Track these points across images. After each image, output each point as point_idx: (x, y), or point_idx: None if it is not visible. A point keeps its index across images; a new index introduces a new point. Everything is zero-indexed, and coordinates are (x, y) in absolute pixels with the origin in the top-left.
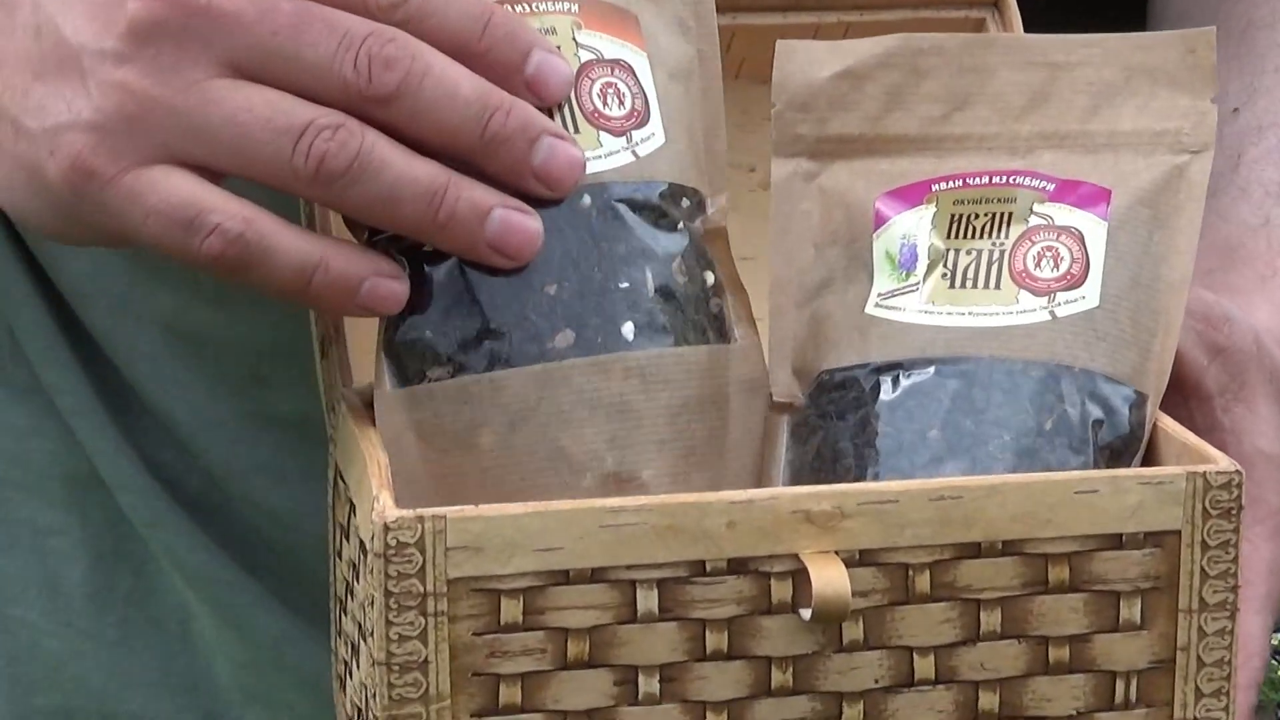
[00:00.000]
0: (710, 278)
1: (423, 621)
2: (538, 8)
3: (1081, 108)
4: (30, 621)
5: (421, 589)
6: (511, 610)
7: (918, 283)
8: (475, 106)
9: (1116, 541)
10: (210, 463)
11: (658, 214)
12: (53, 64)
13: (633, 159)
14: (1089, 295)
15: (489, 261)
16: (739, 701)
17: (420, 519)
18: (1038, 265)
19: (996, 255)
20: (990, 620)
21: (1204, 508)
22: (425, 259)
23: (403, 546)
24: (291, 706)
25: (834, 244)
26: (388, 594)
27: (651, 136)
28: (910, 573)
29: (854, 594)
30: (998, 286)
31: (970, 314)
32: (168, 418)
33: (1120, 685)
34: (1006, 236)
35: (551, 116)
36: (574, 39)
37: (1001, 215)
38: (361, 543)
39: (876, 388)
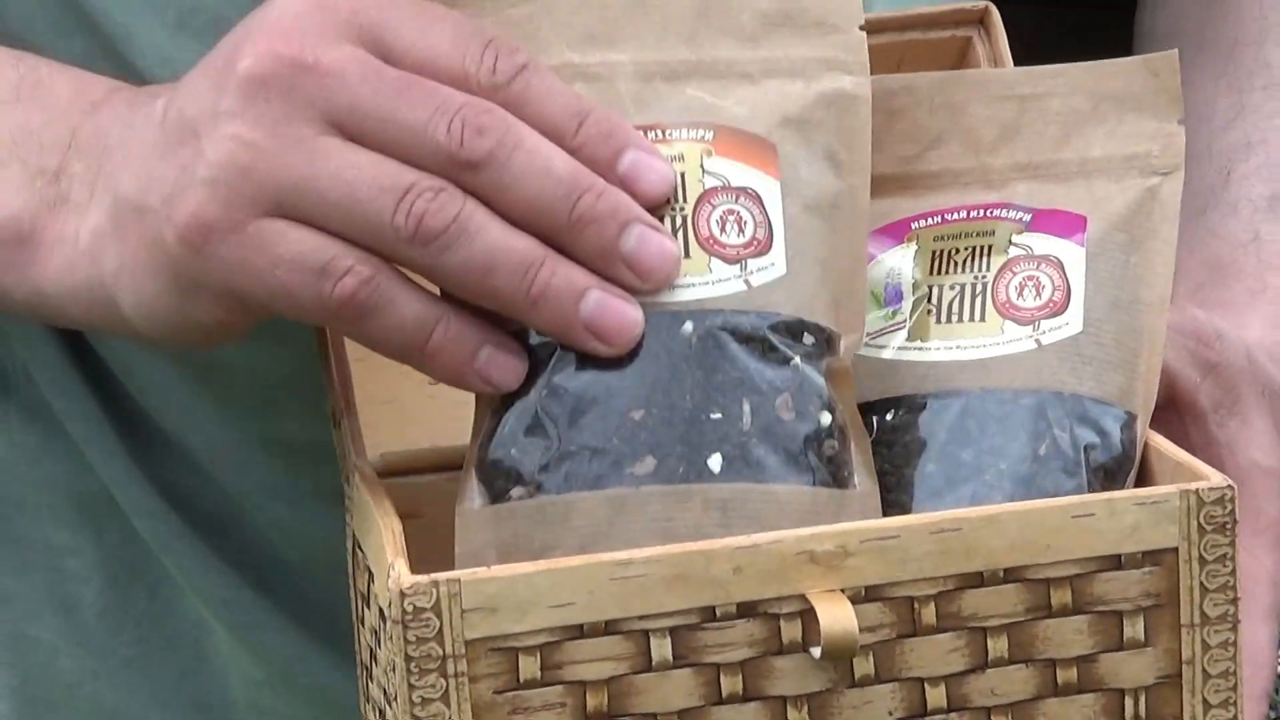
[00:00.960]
0: (827, 418)
1: (444, 683)
2: (670, 134)
3: (1052, 137)
4: (45, 641)
5: (441, 651)
6: (530, 667)
7: (904, 320)
8: (566, 184)
9: (1116, 562)
10: (223, 486)
11: (766, 346)
12: (174, 139)
13: (745, 288)
14: (1072, 321)
15: (584, 345)
16: None
17: (435, 583)
18: (1020, 295)
19: (979, 288)
20: (997, 647)
21: (1199, 524)
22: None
23: (420, 611)
24: None
25: None
26: (408, 658)
27: (770, 266)
28: (916, 605)
29: (862, 629)
30: (983, 318)
31: (958, 347)
32: (180, 442)
33: (1129, 702)
34: (988, 269)
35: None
36: (701, 165)
37: (981, 248)
38: (381, 610)
39: (871, 426)
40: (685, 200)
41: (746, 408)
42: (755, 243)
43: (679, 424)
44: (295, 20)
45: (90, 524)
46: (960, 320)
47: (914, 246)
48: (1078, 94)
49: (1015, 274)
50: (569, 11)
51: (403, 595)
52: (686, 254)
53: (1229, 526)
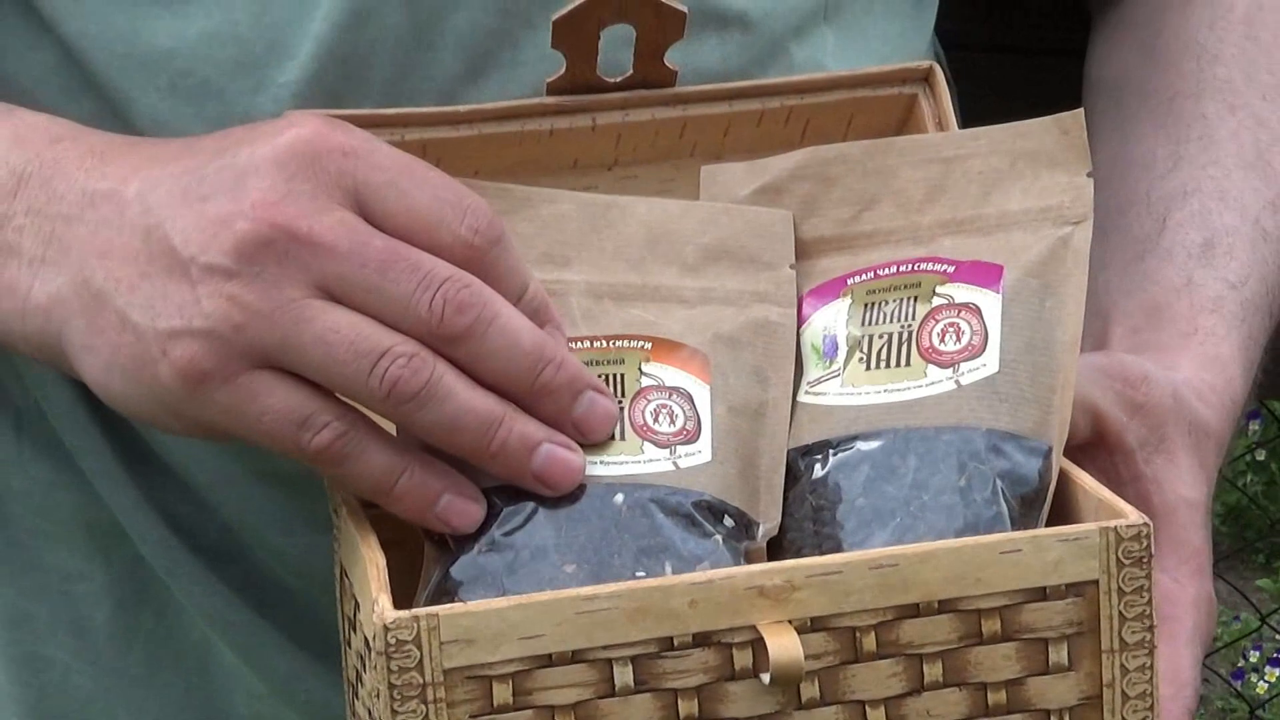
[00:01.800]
0: None
1: (424, 709)
2: (613, 344)
3: (974, 195)
4: (60, 660)
5: (421, 680)
6: (503, 693)
7: (839, 369)
8: (531, 357)
9: (1041, 594)
10: (225, 516)
11: (689, 521)
12: (161, 266)
13: (672, 468)
14: (989, 363)
15: (533, 489)
16: None
17: (416, 618)
18: (942, 340)
19: (905, 335)
20: (933, 672)
21: (1118, 558)
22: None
23: (402, 643)
24: None
25: None
26: (391, 686)
27: (698, 453)
28: (858, 634)
29: (808, 657)
30: (908, 364)
31: (885, 391)
32: (184, 475)
33: None
34: (913, 318)
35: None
36: (639, 368)
37: (908, 299)
38: (366, 639)
39: (810, 466)
40: (624, 395)
41: (669, 570)
42: (685, 432)
43: (608, 579)
44: (290, 182)
45: (100, 551)
46: (888, 366)
47: (849, 300)
48: (996, 154)
49: (938, 321)
50: (532, 233)
51: (386, 629)
52: (622, 437)
53: (1145, 560)
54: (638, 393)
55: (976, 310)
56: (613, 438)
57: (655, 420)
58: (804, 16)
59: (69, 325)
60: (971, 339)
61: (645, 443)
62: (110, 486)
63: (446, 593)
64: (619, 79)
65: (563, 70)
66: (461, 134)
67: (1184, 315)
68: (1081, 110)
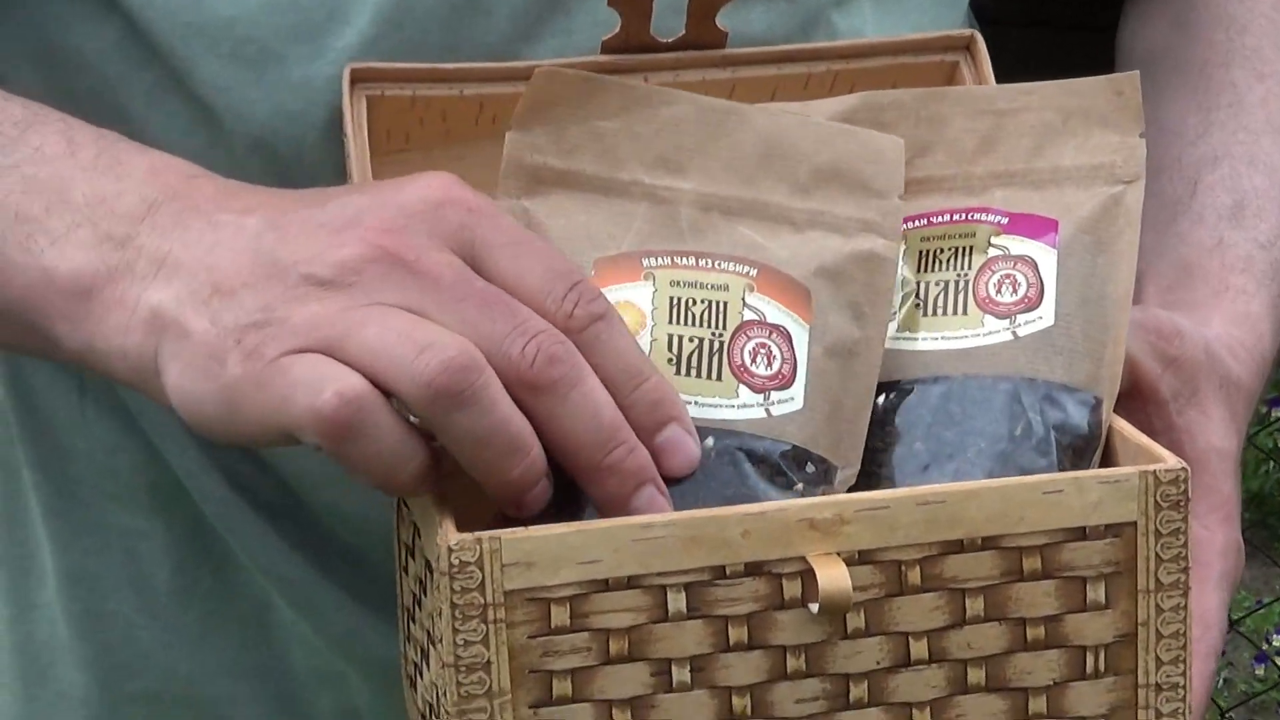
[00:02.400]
0: None
1: (484, 629)
2: (719, 265)
3: (1026, 149)
4: (123, 616)
5: (483, 600)
6: (560, 615)
7: (895, 313)
8: (607, 432)
9: (1081, 534)
10: (283, 474)
11: (774, 470)
12: (262, 275)
13: (764, 415)
14: (1045, 315)
15: (518, 515)
16: (759, 686)
17: (479, 540)
18: (999, 291)
19: (962, 284)
20: (974, 606)
21: (1156, 501)
22: None
23: (465, 565)
24: (360, 690)
25: None
26: (454, 606)
27: (790, 400)
28: (903, 568)
29: (855, 589)
30: (965, 312)
31: (943, 338)
32: None
33: (1090, 658)
34: (969, 267)
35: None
36: (743, 299)
37: (963, 248)
38: (428, 561)
39: None
40: (725, 327)
41: None
42: (780, 376)
43: None
44: (410, 220)
45: (162, 511)
46: (944, 313)
47: (903, 246)
48: (1049, 109)
49: (994, 272)
50: (650, 134)
51: (450, 551)
52: (719, 377)
53: (1182, 504)
54: (739, 327)
55: (1032, 263)
56: (710, 376)
57: (753, 361)
58: None
59: (164, 337)
60: (1028, 291)
61: (741, 385)
62: (173, 447)
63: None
64: (671, 40)
65: (617, 29)
66: (518, 90)
67: (1215, 274)
68: (1137, 73)
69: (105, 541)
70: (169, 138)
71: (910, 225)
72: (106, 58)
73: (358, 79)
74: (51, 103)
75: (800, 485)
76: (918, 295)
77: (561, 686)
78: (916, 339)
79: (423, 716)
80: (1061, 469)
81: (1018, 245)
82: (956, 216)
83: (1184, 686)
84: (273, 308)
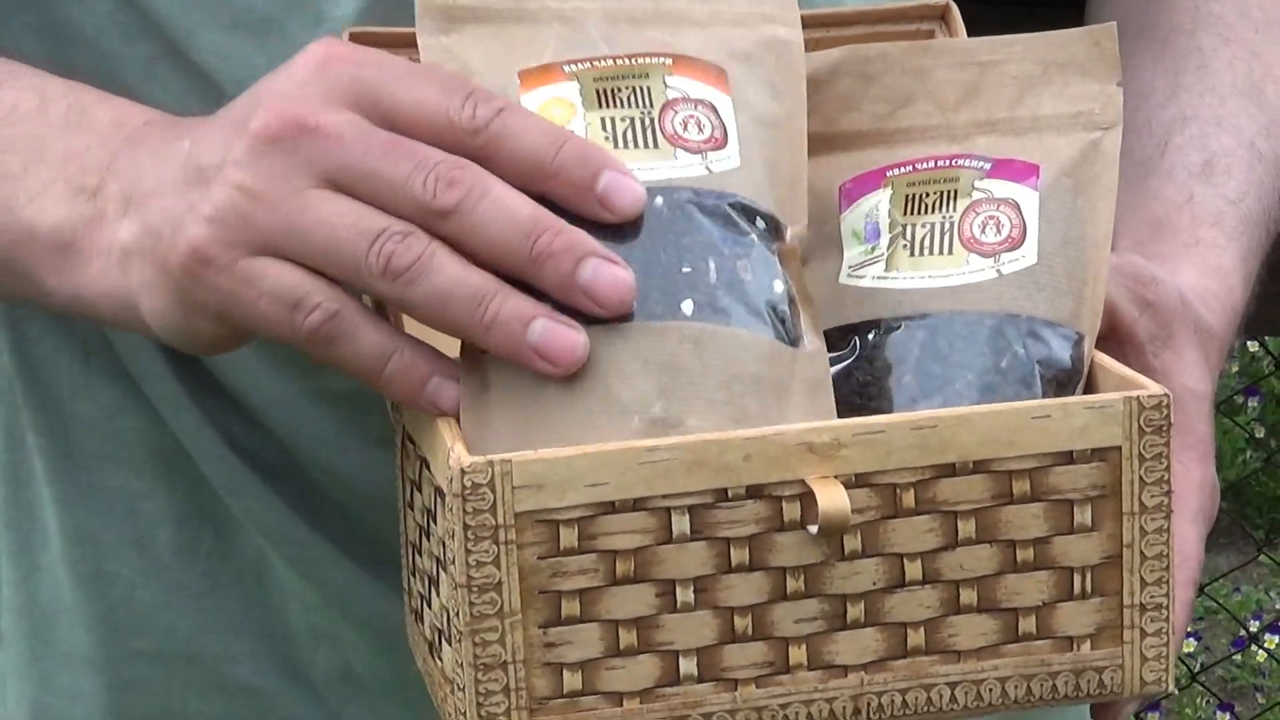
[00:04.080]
0: (779, 286)
1: (496, 549)
2: (635, 60)
3: (1008, 98)
4: (125, 576)
5: (494, 522)
6: (568, 537)
7: (882, 253)
8: (526, 225)
9: (1068, 458)
10: (281, 436)
11: (727, 220)
12: (189, 180)
13: (705, 172)
14: (1028, 254)
15: (532, 365)
16: (760, 605)
17: (490, 463)
18: (983, 231)
19: (947, 226)
20: (966, 529)
21: (1139, 426)
22: None
23: (477, 486)
24: (355, 646)
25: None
26: (466, 527)
27: (728, 159)
28: (898, 491)
29: (852, 511)
30: (950, 252)
31: (929, 276)
32: (242, 397)
33: (1077, 579)
34: (954, 210)
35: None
36: (664, 81)
37: (948, 192)
38: (438, 489)
39: (858, 343)
40: (651, 105)
41: (712, 265)
42: (714, 140)
43: (656, 275)
44: (302, 86)
45: (164, 472)
46: (930, 253)
47: (889, 191)
48: (1030, 60)
49: (978, 214)
50: None
51: (463, 473)
52: (655, 145)
53: (1164, 429)
54: (665, 104)
55: (1015, 205)
56: (647, 145)
57: (685, 129)
58: None
59: (131, 270)
60: (1011, 231)
61: (677, 149)
62: (173, 410)
63: None
64: None
65: None
66: None
67: (1186, 228)
68: (1114, 25)
69: (108, 503)
70: (169, 108)
71: (897, 172)
72: (103, 30)
73: (355, 43)
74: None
75: (754, 236)
76: (904, 236)
77: (570, 606)
78: (902, 278)
79: (430, 645)
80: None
81: (1001, 188)
82: (941, 163)
83: (1167, 606)
84: (199, 207)
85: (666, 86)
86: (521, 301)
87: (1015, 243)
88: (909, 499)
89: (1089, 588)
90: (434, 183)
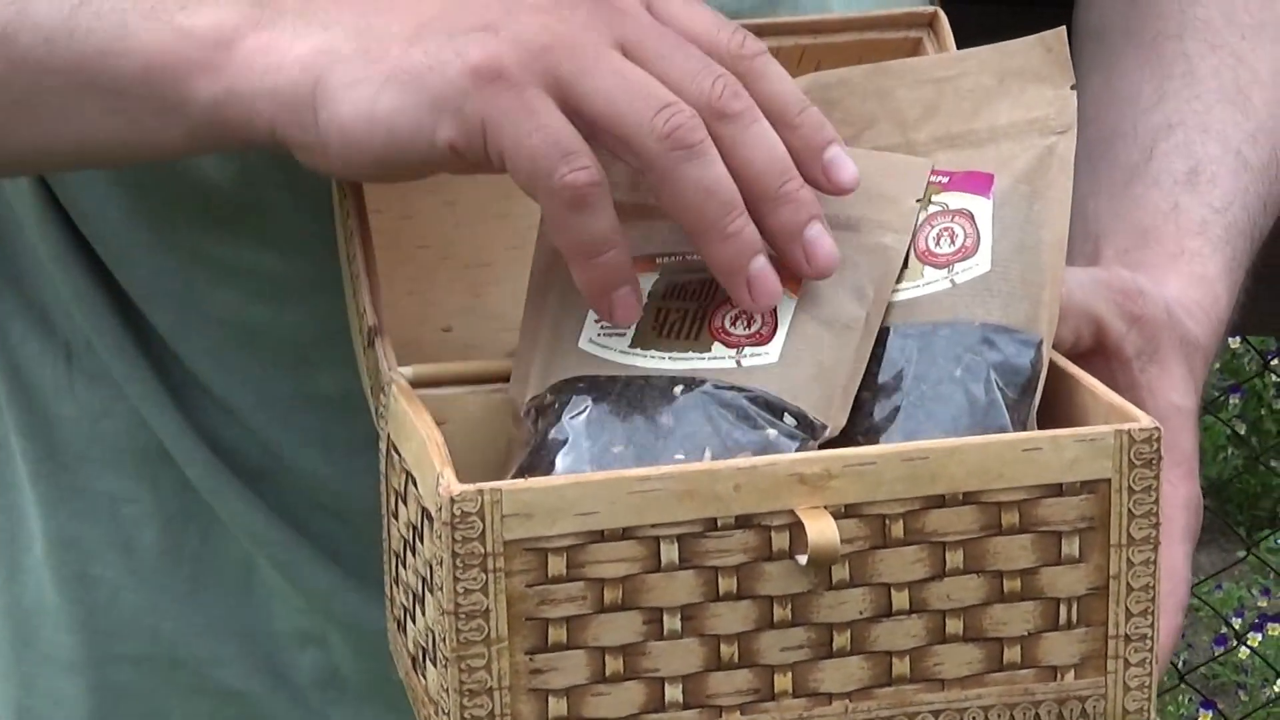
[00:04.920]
0: None
1: (484, 577)
2: None
3: (966, 111)
4: (109, 579)
5: (483, 550)
6: (557, 565)
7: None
8: (782, 164)
9: (1057, 490)
10: (266, 438)
11: (741, 414)
12: (464, 4)
13: (734, 365)
14: (981, 262)
15: (737, 290)
16: (748, 634)
17: (480, 492)
18: (937, 243)
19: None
20: (954, 559)
21: (1129, 459)
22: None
23: (466, 515)
24: (340, 649)
25: None
26: (455, 555)
27: (764, 354)
28: (887, 522)
29: (840, 541)
30: (906, 266)
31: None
32: (227, 400)
33: (1063, 609)
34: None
35: None
36: None
37: None
38: (425, 510)
39: None
40: (711, 300)
41: (707, 455)
42: (757, 336)
43: (648, 460)
44: None
45: (147, 475)
46: None
47: None
48: (985, 72)
49: (933, 226)
50: None
51: (453, 502)
52: (695, 337)
53: (1154, 462)
54: (726, 299)
55: (969, 215)
56: (687, 337)
57: (733, 325)
58: None
59: (333, 70)
60: (965, 241)
61: (716, 343)
62: (156, 412)
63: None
64: None
65: None
66: None
67: (1171, 237)
68: (1064, 29)
69: (92, 506)
70: None
71: None
72: None
73: None
74: None
75: (772, 432)
76: None
77: (557, 634)
78: None
79: (414, 660)
80: (1006, 406)
81: (956, 200)
82: None
83: (1151, 638)
84: (496, 22)
85: None
86: (755, 232)
87: (969, 252)
88: (898, 529)
89: (1074, 618)
90: (721, 87)
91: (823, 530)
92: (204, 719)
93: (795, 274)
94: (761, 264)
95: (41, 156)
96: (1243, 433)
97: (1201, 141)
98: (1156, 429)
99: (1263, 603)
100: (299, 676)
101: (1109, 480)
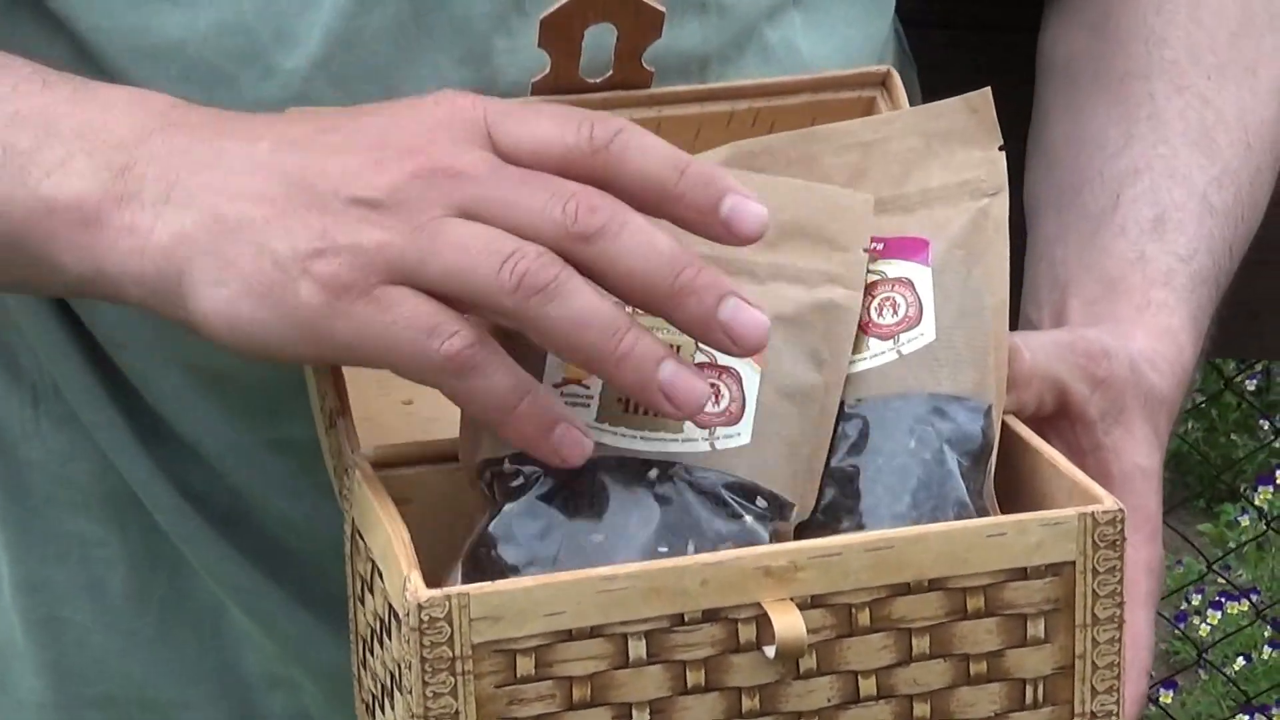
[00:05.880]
0: None
1: (453, 680)
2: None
3: (894, 175)
4: (78, 621)
5: (451, 654)
6: (526, 665)
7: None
8: (668, 258)
9: (1022, 574)
10: (235, 483)
11: (717, 501)
12: (301, 202)
13: (709, 449)
14: (926, 332)
15: (657, 405)
16: None
17: (449, 597)
18: (880, 314)
19: None
20: (920, 645)
21: (1094, 541)
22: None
23: (434, 620)
24: (311, 693)
25: None
26: (423, 660)
27: (736, 436)
28: (853, 611)
29: (807, 632)
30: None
31: None
32: (195, 445)
33: (1029, 690)
34: None
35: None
36: (695, 345)
37: None
38: (393, 608)
39: None
40: None
41: (691, 549)
42: (728, 414)
43: (631, 552)
44: (434, 131)
45: (116, 518)
46: None
47: None
48: (912, 135)
49: (875, 296)
50: None
51: (420, 608)
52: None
53: (1118, 543)
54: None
55: (909, 283)
56: (655, 414)
57: None
58: (774, 2)
59: (194, 263)
60: (908, 310)
61: (687, 422)
62: (124, 457)
63: (484, 545)
64: (600, 80)
65: (547, 71)
66: None
67: (1138, 288)
68: (989, 90)
69: (61, 550)
70: None
71: None
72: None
73: None
74: None
75: (748, 518)
76: None
77: None
78: None
79: None
80: (961, 474)
81: (894, 268)
82: None
83: (1117, 714)
84: (332, 235)
85: (697, 349)
86: (652, 340)
87: (913, 321)
88: (864, 618)
89: (1041, 697)
90: (574, 208)
91: (790, 624)
92: None
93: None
94: (670, 371)
95: None
96: (1201, 404)
97: (1168, 188)
98: (1120, 511)
99: (1222, 579)
100: (269, 719)
101: (1073, 563)
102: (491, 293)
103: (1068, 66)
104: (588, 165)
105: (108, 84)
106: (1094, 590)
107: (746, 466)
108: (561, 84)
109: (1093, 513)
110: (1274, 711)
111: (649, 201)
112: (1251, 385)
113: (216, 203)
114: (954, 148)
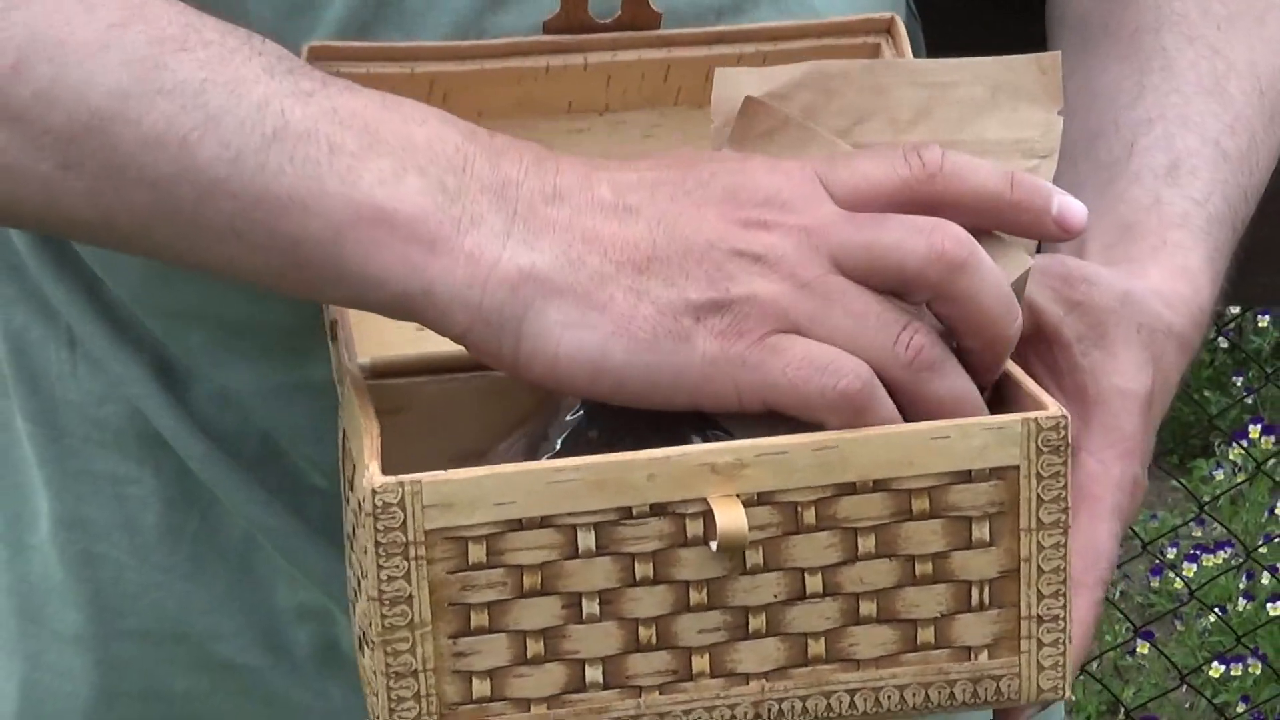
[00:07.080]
0: None
1: (406, 565)
2: None
3: (956, 120)
4: (114, 558)
5: (404, 539)
6: (477, 553)
7: None
8: (1006, 302)
9: (967, 476)
10: (262, 426)
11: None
12: (676, 251)
13: None
14: None
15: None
16: (664, 617)
17: (401, 483)
18: None
19: None
20: (866, 544)
21: (1037, 446)
22: None
23: (388, 506)
24: (340, 624)
25: None
26: (378, 544)
27: None
28: (799, 509)
29: (753, 528)
30: None
31: None
32: (222, 390)
33: (975, 592)
34: None
35: None
36: None
37: None
38: (359, 501)
39: None
40: None
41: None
42: None
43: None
44: (783, 186)
45: (149, 458)
46: None
47: None
48: (980, 84)
49: None
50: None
51: (374, 493)
52: None
53: (1062, 449)
54: None
55: None
56: None
57: None
58: None
59: (548, 302)
60: None
61: None
62: (154, 408)
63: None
64: (609, 20)
65: (558, 10)
66: (466, 68)
67: (1154, 230)
68: (1059, 53)
69: (96, 488)
70: None
71: None
72: None
73: (315, 57)
74: None
75: None
76: None
77: (479, 618)
78: None
79: (358, 640)
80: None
81: None
82: None
83: (1064, 618)
84: (723, 285)
85: None
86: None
87: None
88: (810, 516)
89: (987, 600)
90: (940, 240)
91: (732, 518)
92: (205, 692)
93: None
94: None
95: (151, 248)
96: None
97: (1181, 135)
98: (1063, 416)
99: (1198, 533)
100: (299, 650)
101: (1017, 467)
102: (883, 357)
103: (1079, 24)
104: (925, 192)
105: (408, 99)
106: (1038, 495)
107: None
108: (572, 23)
109: (1036, 418)
110: (1250, 661)
111: (986, 213)
112: (1224, 342)
113: (570, 244)
114: (1017, 103)
